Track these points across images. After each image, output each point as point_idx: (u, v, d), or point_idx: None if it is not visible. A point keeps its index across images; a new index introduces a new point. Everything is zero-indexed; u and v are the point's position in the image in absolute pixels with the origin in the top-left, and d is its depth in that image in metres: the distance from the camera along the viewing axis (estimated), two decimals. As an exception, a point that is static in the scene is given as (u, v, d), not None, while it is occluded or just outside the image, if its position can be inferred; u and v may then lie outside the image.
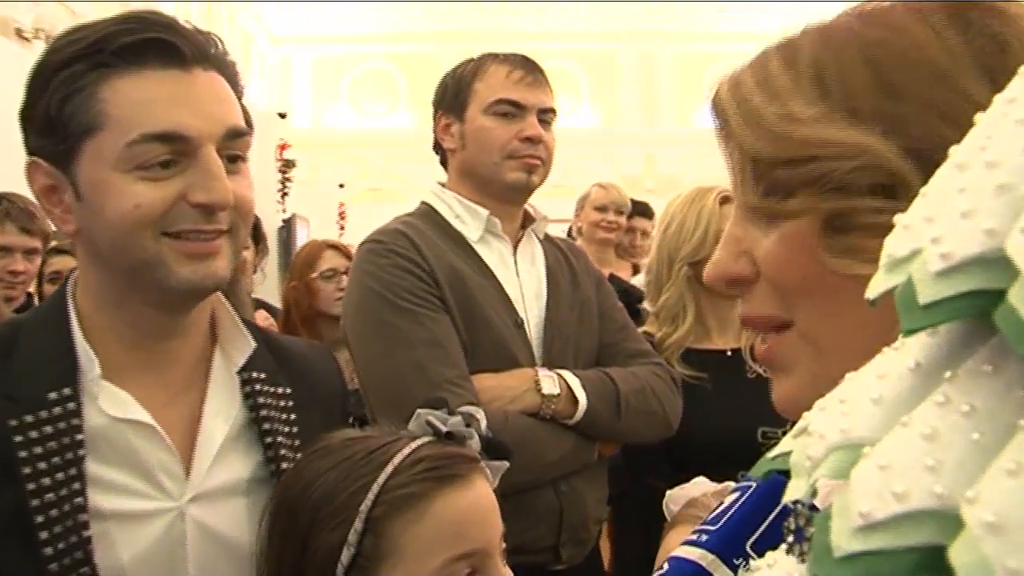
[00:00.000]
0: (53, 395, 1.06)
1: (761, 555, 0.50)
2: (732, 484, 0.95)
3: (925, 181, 0.39)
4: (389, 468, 1.05)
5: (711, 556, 0.86)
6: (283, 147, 8.43)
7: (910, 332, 0.34)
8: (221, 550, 1.13)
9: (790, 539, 0.47)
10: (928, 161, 0.54)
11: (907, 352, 0.38)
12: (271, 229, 6.45)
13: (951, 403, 0.33)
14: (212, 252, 1.10)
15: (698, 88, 15.66)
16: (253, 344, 1.21)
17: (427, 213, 2.04)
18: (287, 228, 8.29)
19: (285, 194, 8.52)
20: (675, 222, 2.40)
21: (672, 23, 15.23)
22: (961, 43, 0.63)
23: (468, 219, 2.00)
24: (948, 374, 0.35)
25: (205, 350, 1.21)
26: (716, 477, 1.42)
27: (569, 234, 4.54)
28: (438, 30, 14.73)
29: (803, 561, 0.45)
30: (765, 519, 0.85)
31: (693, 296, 2.38)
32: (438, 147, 2.09)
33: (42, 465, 1.03)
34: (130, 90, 1.06)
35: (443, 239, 1.96)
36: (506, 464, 1.17)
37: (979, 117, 0.38)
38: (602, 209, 4.35)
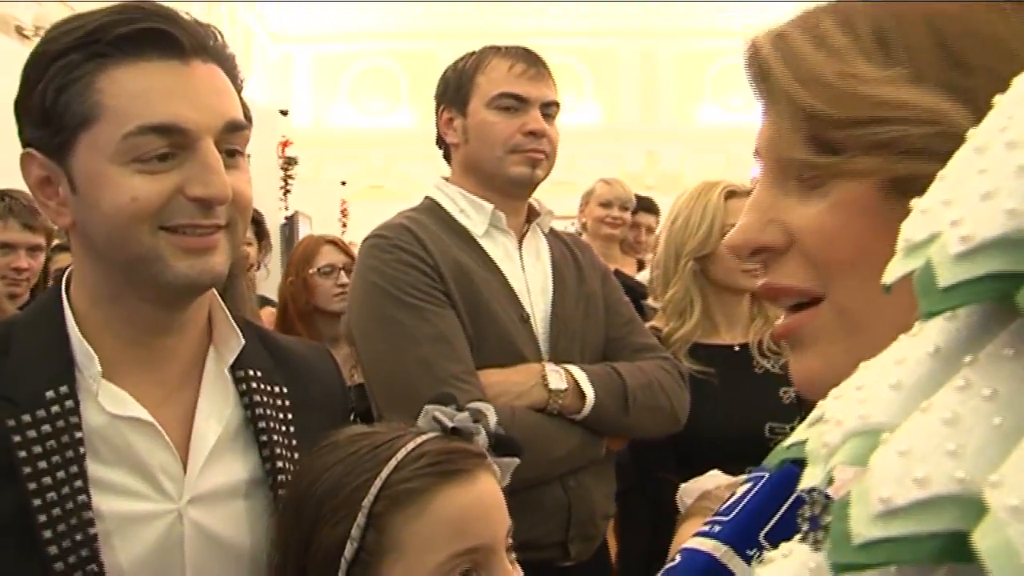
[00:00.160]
0: (50, 394, 1.05)
1: (775, 546, 0.49)
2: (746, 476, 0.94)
3: None
4: (392, 463, 1.04)
5: (724, 547, 0.84)
6: (285, 144, 8.42)
7: (930, 316, 0.34)
8: (218, 553, 1.12)
9: (805, 527, 0.47)
10: None
11: (925, 337, 0.37)
12: (273, 226, 6.43)
13: (972, 387, 0.33)
14: (210, 247, 1.08)
15: (699, 85, 15.66)
16: (242, 341, 1.19)
17: (431, 208, 2.03)
18: (289, 225, 8.28)
19: (287, 191, 8.52)
20: (681, 217, 2.40)
21: (673, 20, 15.20)
22: None
23: (473, 213, 1.99)
24: (968, 358, 0.34)
25: (201, 348, 1.19)
26: (724, 472, 1.42)
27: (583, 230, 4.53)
28: (439, 27, 14.71)
29: (818, 550, 0.44)
30: (779, 509, 0.84)
31: (700, 291, 2.37)
32: (441, 141, 2.08)
33: (42, 464, 1.01)
34: (127, 81, 1.03)
35: (447, 234, 1.95)
36: (516, 461, 1.16)
37: (998, 99, 0.37)
38: (607, 205, 4.35)
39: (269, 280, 4.21)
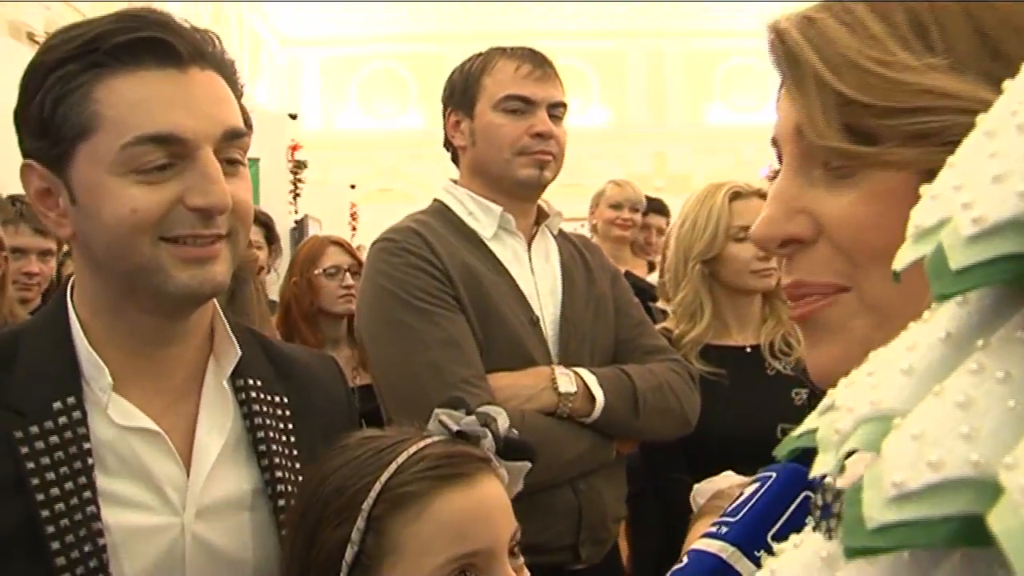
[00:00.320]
0: (58, 405, 1.04)
1: (783, 546, 0.49)
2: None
3: None
4: (392, 467, 1.04)
5: (731, 548, 0.84)
6: (294, 148, 8.43)
7: (942, 298, 0.34)
8: (220, 566, 1.11)
9: (817, 515, 0.47)
10: None
11: (936, 323, 0.37)
12: (283, 230, 6.44)
13: (985, 371, 0.33)
14: (211, 257, 1.07)
15: (707, 85, 15.65)
16: (239, 352, 1.18)
17: (440, 211, 2.02)
18: (299, 229, 8.30)
19: (297, 195, 8.53)
20: (688, 220, 2.40)
21: (680, 20, 15.19)
22: None
23: (481, 216, 1.98)
24: (980, 342, 0.34)
25: (202, 357, 1.18)
26: (736, 474, 1.41)
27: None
28: (447, 30, 14.74)
29: (830, 538, 0.44)
30: (786, 510, 0.84)
31: (710, 293, 2.37)
32: (448, 144, 2.07)
33: (50, 476, 1.01)
34: (125, 91, 1.02)
35: (456, 237, 1.94)
36: (527, 465, 1.15)
37: (1007, 84, 0.37)
38: (617, 207, 4.34)
39: (280, 284, 4.23)
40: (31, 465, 1.01)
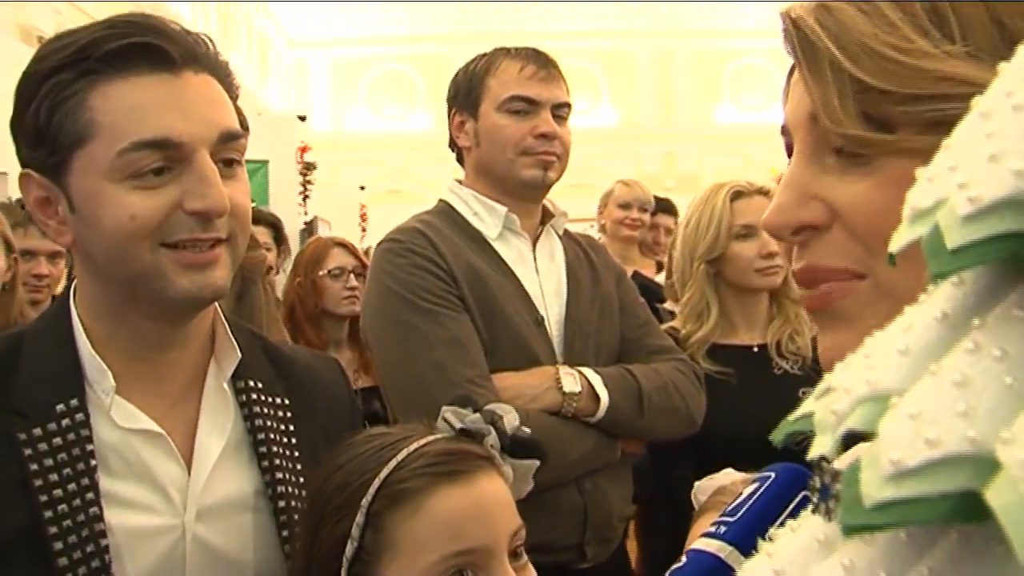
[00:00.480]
0: (61, 407, 1.05)
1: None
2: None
3: None
4: (392, 463, 1.04)
5: (729, 548, 0.84)
6: (303, 149, 8.46)
7: (939, 277, 0.34)
8: (220, 567, 1.11)
9: (815, 498, 0.47)
10: None
11: (932, 304, 0.37)
12: (293, 231, 6.47)
13: (982, 349, 0.33)
14: (211, 262, 1.07)
15: (716, 85, 15.64)
16: (238, 355, 1.18)
17: (445, 211, 2.03)
18: (309, 230, 8.33)
19: (306, 196, 8.56)
20: (692, 221, 2.41)
21: (689, 21, 15.19)
22: None
23: (486, 216, 1.98)
24: (977, 322, 0.34)
25: (203, 360, 1.18)
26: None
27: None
28: (455, 31, 14.77)
29: (829, 519, 0.44)
30: (785, 509, 0.84)
31: (716, 293, 2.37)
32: (453, 144, 2.07)
33: (53, 477, 1.01)
34: (119, 97, 1.02)
35: (461, 237, 1.95)
36: (535, 463, 1.14)
37: (1002, 66, 0.37)
38: (625, 206, 4.34)
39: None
40: (35, 467, 1.01)
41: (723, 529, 0.85)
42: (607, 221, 4.39)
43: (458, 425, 1.11)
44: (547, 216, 2.07)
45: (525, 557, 1.09)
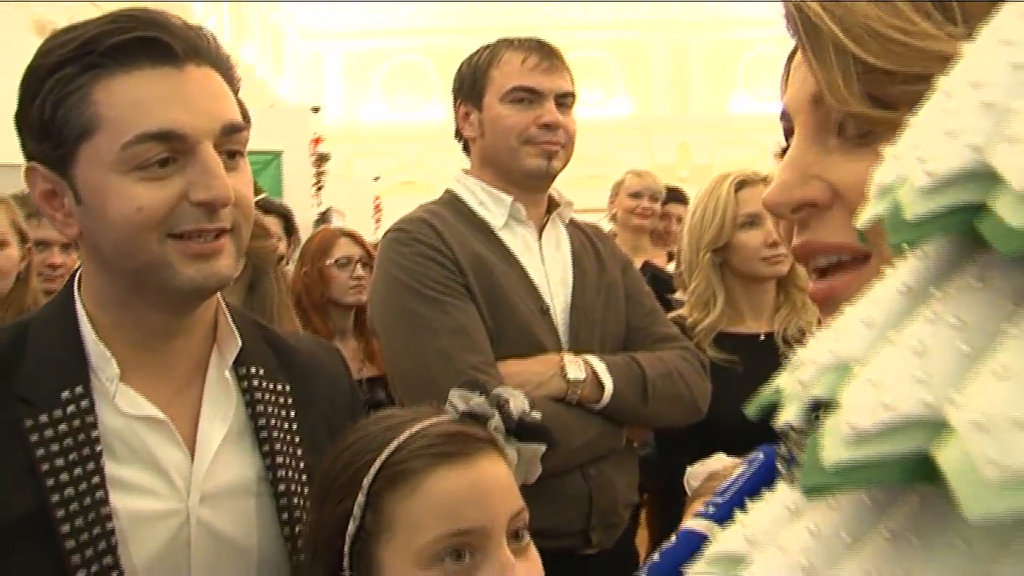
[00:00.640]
0: (66, 394, 1.07)
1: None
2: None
3: None
4: (394, 444, 1.05)
5: (718, 528, 0.86)
6: (316, 141, 8.47)
7: (897, 248, 0.35)
8: (225, 552, 1.13)
9: (783, 466, 0.47)
10: None
11: (897, 277, 0.38)
12: (307, 222, 6.48)
13: (940, 319, 0.34)
14: (216, 252, 1.09)
15: (730, 75, 15.57)
16: (239, 343, 1.20)
17: (451, 201, 2.04)
18: (322, 221, 8.34)
19: (320, 188, 8.57)
20: (698, 211, 2.42)
21: (703, 10, 15.12)
22: None
23: (492, 206, 2.00)
24: (937, 293, 0.35)
25: (206, 348, 1.20)
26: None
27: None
28: (468, 22, 14.75)
29: (795, 487, 0.45)
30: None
31: (722, 281, 2.38)
32: (460, 135, 2.09)
33: (59, 462, 1.03)
34: (123, 91, 1.04)
35: (467, 226, 1.96)
36: (541, 448, 1.15)
37: (965, 47, 0.38)
38: (636, 196, 4.35)
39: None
40: (41, 452, 1.04)
41: (712, 510, 0.87)
42: (618, 211, 4.40)
43: (462, 408, 1.12)
44: (553, 205, 2.09)
45: (527, 539, 1.10)
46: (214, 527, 1.12)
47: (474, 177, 2.05)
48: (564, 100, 2.00)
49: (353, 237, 3.45)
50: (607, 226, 4.36)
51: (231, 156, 1.10)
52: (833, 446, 0.33)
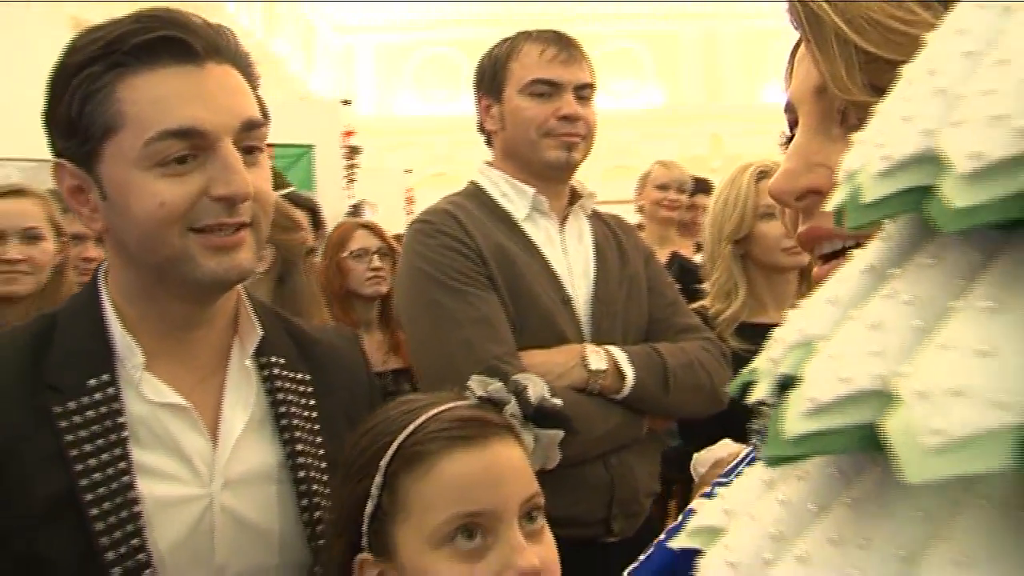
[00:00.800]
0: (92, 382, 1.10)
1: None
2: None
3: None
4: (411, 427, 1.08)
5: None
6: (347, 134, 8.53)
7: (854, 228, 0.36)
8: (247, 535, 1.16)
9: (757, 440, 0.49)
10: None
11: (863, 257, 0.40)
12: (338, 215, 6.54)
13: (897, 295, 0.35)
14: (236, 245, 1.12)
15: (763, 64, 15.45)
16: (260, 333, 1.23)
17: (475, 192, 2.07)
18: (354, 214, 8.39)
19: (352, 180, 8.63)
20: (719, 201, 2.43)
21: (735, 0, 15.02)
22: None
23: (515, 197, 2.02)
24: (896, 271, 0.37)
25: (228, 338, 1.23)
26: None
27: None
28: (500, 14, 14.75)
29: None
30: None
31: (743, 272, 2.39)
32: (482, 128, 2.11)
33: (87, 448, 1.07)
34: (146, 88, 1.07)
35: (490, 218, 1.99)
36: (559, 434, 1.17)
37: (930, 36, 0.39)
38: (663, 187, 4.35)
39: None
40: (70, 438, 1.07)
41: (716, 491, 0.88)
42: (645, 202, 4.40)
43: (480, 393, 1.15)
44: (575, 197, 2.10)
45: (540, 522, 1.12)
46: (237, 512, 1.15)
47: (497, 169, 2.07)
48: (583, 91, 2.02)
49: (370, 228, 3.48)
50: (635, 217, 4.37)
51: (250, 152, 1.13)
52: (793, 419, 0.35)
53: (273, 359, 1.24)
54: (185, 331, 1.18)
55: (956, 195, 0.31)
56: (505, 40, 2.09)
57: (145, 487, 1.09)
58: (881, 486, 0.36)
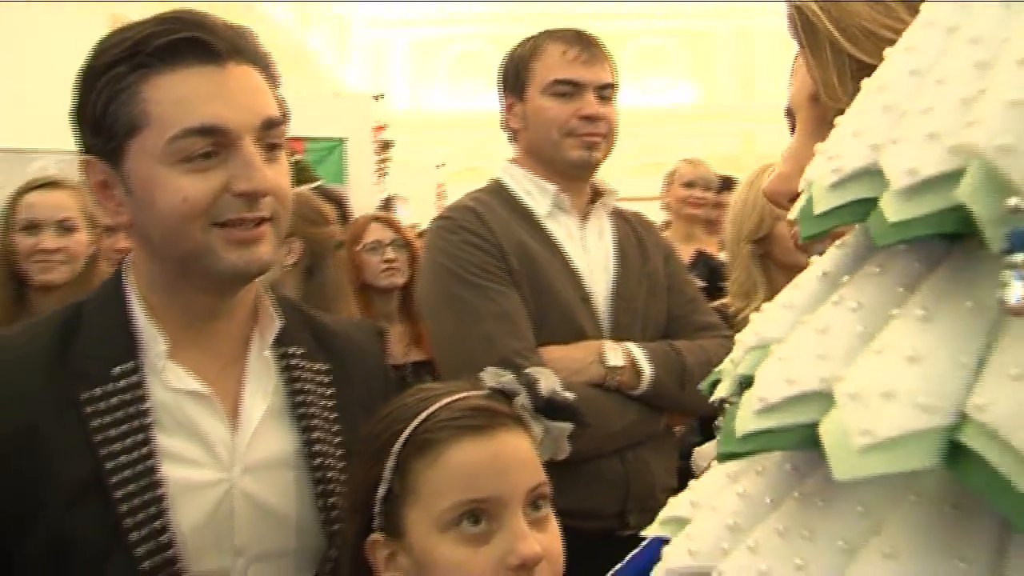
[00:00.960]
0: (117, 369, 1.15)
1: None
2: None
3: None
4: (422, 415, 1.12)
5: None
6: (379, 128, 8.57)
7: (806, 239, 0.39)
8: (266, 519, 1.20)
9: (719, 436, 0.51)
10: None
11: (819, 264, 0.42)
12: (370, 209, 6.58)
13: (844, 302, 0.38)
14: (257, 239, 1.15)
15: (799, 62, 15.30)
16: (278, 323, 1.27)
17: (497, 189, 2.09)
18: (386, 207, 8.43)
19: (384, 174, 8.67)
20: (739, 202, 2.44)
21: (772, -4, 14.89)
22: None
23: (537, 195, 2.04)
24: (846, 279, 0.39)
25: (249, 328, 1.27)
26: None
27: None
28: (534, 10, 14.74)
29: None
30: None
31: (763, 272, 2.39)
32: (506, 126, 2.14)
33: (113, 433, 1.11)
34: (169, 88, 1.11)
35: (512, 214, 2.01)
36: (569, 426, 1.20)
37: (887, 52, 0.41)
38: (689, 185, 4.34)
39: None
40: (96, 423, 1.11)
41: None
42: (671, 200, 4.39)
43: (492, 384, 1.18)
44: (597, 194, 2.12)
45: (546, 510, 1.15)
46: (255, 497, 1.19)
47: (520, 166, 2.09)
48: (605, 91, 2.03)
49: (384, 221, 3.50)
50: (661, 215, 4.37)
51: (270, 149, 1.17)
52: (744, 418, 0.38)
53: (292, 349, 1.28)
54: (207, 321, 1.22)
55: (891, 209, 0.33)
56: (528, 39, 2.11)
57: (168, 471, 1.13)
58: (827, 482, 0.38)
